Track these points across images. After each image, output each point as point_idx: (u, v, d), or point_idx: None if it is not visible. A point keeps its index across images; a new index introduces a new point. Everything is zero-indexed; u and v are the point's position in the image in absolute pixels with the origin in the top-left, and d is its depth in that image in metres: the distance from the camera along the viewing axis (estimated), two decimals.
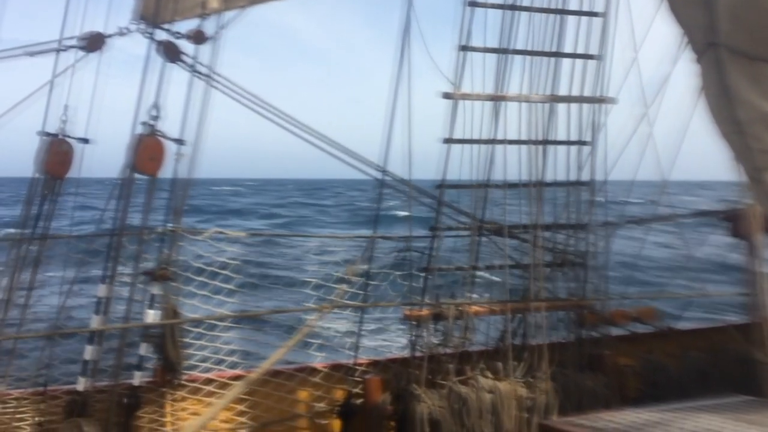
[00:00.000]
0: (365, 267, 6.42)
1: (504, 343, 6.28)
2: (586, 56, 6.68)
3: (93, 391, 5.52)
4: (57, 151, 5.60)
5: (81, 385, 5.51)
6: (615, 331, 6.87)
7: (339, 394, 6.30)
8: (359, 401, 6.21)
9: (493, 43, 6.33)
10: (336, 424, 6.26)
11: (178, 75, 5.75)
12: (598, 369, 6.53)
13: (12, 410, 5.50)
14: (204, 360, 6.07)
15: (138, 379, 5.67)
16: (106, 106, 5.58)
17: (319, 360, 6.51)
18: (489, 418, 5.91)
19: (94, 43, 5.68)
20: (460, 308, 6.17)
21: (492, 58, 6.35)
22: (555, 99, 6.58)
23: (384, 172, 6.27)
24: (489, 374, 6.11)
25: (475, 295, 6.38)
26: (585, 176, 6.80)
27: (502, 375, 6.10)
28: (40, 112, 5.55)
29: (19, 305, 5.52)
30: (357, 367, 6.34)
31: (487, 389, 5.98)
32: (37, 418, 5.52)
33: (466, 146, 6.33)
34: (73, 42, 5.64)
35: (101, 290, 5.55)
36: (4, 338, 5.39)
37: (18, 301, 5.52)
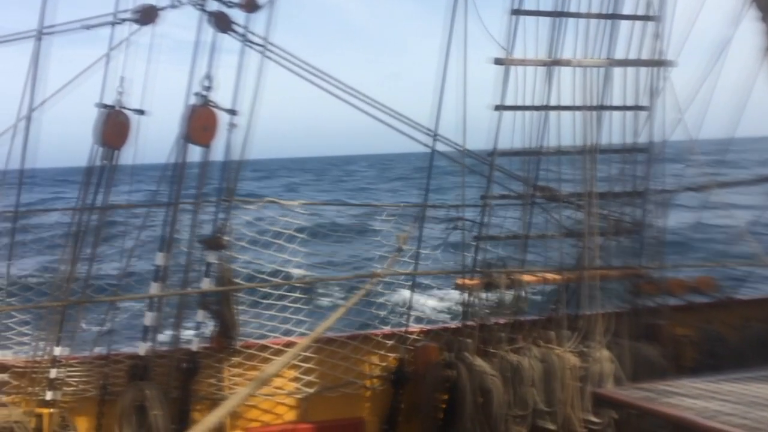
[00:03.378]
0: (416, 235, 6.40)
1: (557, 312, 6.22)
2: (645, 18, 6.46)
3: (153, 355, 5.70)
4: (114, 122, 5.71)
5: (142, 350, 5.69)
6: (672, 301, 6.73)
7: (391, 362, 6.34)
8: (411, 369, 6.25)
9: (546, 7, 6.19)
10: (388, 391, 6.31)
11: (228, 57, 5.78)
12: (654, 339, 6.43)
13: (79, 374, 5.72)
14: (259, 327, 6.18)
15: (196, 344, 5.82)
16: (157, 90, 5.65)
17: (371, 327, 6.55)
18: (541, 387, 5.90)
19: (147, 15, 5.72)
20: (512, 277, 6.13)
21: (545, 21, 6.20)
22: (611, 63, 6.40)
23: (436, 136, 6.20)
24: (542, 343, 6.07)
25: (527, 264, 6.32)
26: (642, 142, 6.62)
27: (555, 344, 6.06)
28: (96, 91, 5.68)
29: (81, 273, 5.71)
30: (409, 335, 6.37)
31: (539, 358, 5.96)
32: (101, 382, 5.73)
33: (518, 113, 6.22)
34: (127, 15, 5.70)
35: (159, 258, 5.69)
36: (67, 302, 5.59)
37: (80, 269, 5.70)
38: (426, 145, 6.25)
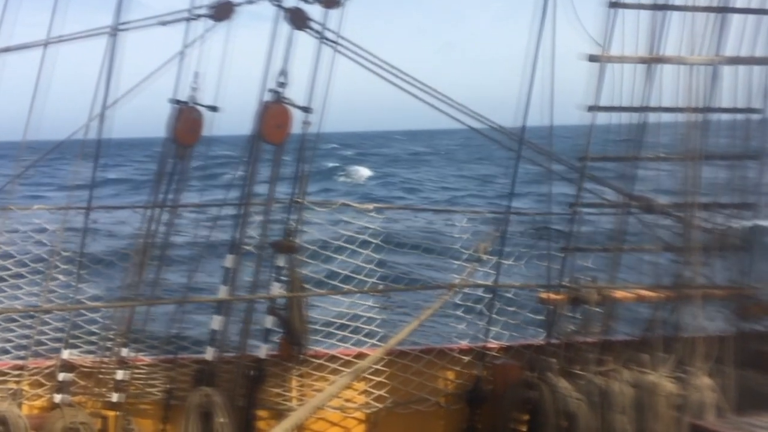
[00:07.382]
0: (497, 244, 6.04)
1: (652, 334, 5.72)
2: (761, 11, 5.87)
3: (220, 361, 5.53)
4: (187, 119, 5.63)
5: (209, 354, 5.54)
6: None
7: (467, 379, 6.04)
8: (489, 388, 5.94)
9: None
10: (463, 410, 6.00)
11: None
12: (762, 367, 5.83)
13: (145, 376, 5.64)
14: (329, 336, 5.96)
15: (263, 352, 5.64)
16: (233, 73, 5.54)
17: (447, 341, 6.23)
18: (632, 414, 5.44)
19: (222, 11, 5.63)
20: (602, 293, 5.68)
21: (646, 14, 5.72)
22: (720, 60, 5.84)
23: (521, 141, 5.82)
24: (634, 367, 5.60)
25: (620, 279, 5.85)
26: (753, 148, 6.03)
27: (649, 368, 5.56)
28: (172, 80, 5.60)
29: (151, 272, 5.62)
30: (488, 352, 6.06)
31: (631, 383, 5.52)
32: (167, 385, 5.61)
33: (613, 114, 5.79)
34: (203, 11, 5.61)
35: (228, 260, 5.53)
36: (136, 304, 5.51)
37: (150, 269, 5.62)
38: (510, 149, 5.88)
